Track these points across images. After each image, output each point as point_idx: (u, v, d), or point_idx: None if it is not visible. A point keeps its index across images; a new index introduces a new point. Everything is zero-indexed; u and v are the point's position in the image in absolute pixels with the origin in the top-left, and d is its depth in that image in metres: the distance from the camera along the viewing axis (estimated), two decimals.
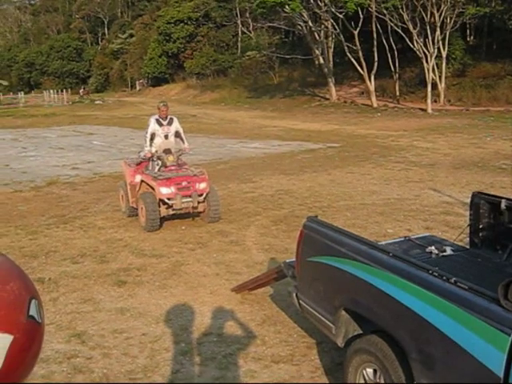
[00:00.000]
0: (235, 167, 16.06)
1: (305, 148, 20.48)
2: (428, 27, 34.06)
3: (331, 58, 42.45)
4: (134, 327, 6.24)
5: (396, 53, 37.42)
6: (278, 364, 5.41)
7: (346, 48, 38.03)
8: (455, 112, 32.19)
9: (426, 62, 34.59)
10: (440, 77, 35.37)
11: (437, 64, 35.12)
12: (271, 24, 45.14)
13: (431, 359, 3.69)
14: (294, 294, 5.31)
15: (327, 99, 42.16)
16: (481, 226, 5.79)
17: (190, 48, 64.49)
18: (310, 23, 39.74)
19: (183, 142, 10.70)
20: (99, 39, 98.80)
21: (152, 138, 10.33)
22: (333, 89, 41.88)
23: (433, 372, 3.67)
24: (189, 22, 63.09)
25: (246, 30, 58.62)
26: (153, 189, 10.06)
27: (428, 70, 34.47)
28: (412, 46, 34.90)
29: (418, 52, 34.92)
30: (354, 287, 4.39)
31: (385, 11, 34.43)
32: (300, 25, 40.72)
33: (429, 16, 34.00)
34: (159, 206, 10.04)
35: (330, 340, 4.97)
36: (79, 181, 15.31)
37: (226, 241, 9.36)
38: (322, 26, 41.40)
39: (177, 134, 10.61)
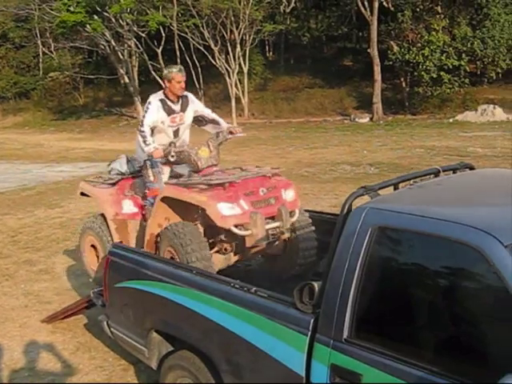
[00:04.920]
0: (42, 193, 15.47)
1: None
2: (229, 44, 35.26)
3: (136, 77, 42.25)
4: None
5: (200, 69, 38.11)
6: None
7: (150, 66, 38.13)
8: (259, 125, 33.37)
9: (229, 77, 35.71)
10: (243, 91, 36.63)
11: (239, 79, 36.33)
12: (73, 44, 44.07)
13: (239, 368, 3.85)
14: (105, 323, 5.22)
15: (135, 118, 41.87)
16: None
17: None
18: (113, 42, 39.32)
19: (219, 124, 6.33)
20: None
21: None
22: (139, 107, 41.67)
23: (242, 379, 3.81)
24: None
25: (47, 51, 56.44)
26: (181, 216, 5.70)
27: (231, 85, 35.60)
28: (214, 62, 35.88)
29: (220, 68, 35.94)
30: (163, 308, 4.44)
31: (186, 29, 35.05)
32: (103, 44, 40.14)
33: (229, 33, 35.20)
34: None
35: None
36: None
37: (35, 270, 9.00)
38: (126, 45, 41.14)
39: (201, 121, 6.47)
